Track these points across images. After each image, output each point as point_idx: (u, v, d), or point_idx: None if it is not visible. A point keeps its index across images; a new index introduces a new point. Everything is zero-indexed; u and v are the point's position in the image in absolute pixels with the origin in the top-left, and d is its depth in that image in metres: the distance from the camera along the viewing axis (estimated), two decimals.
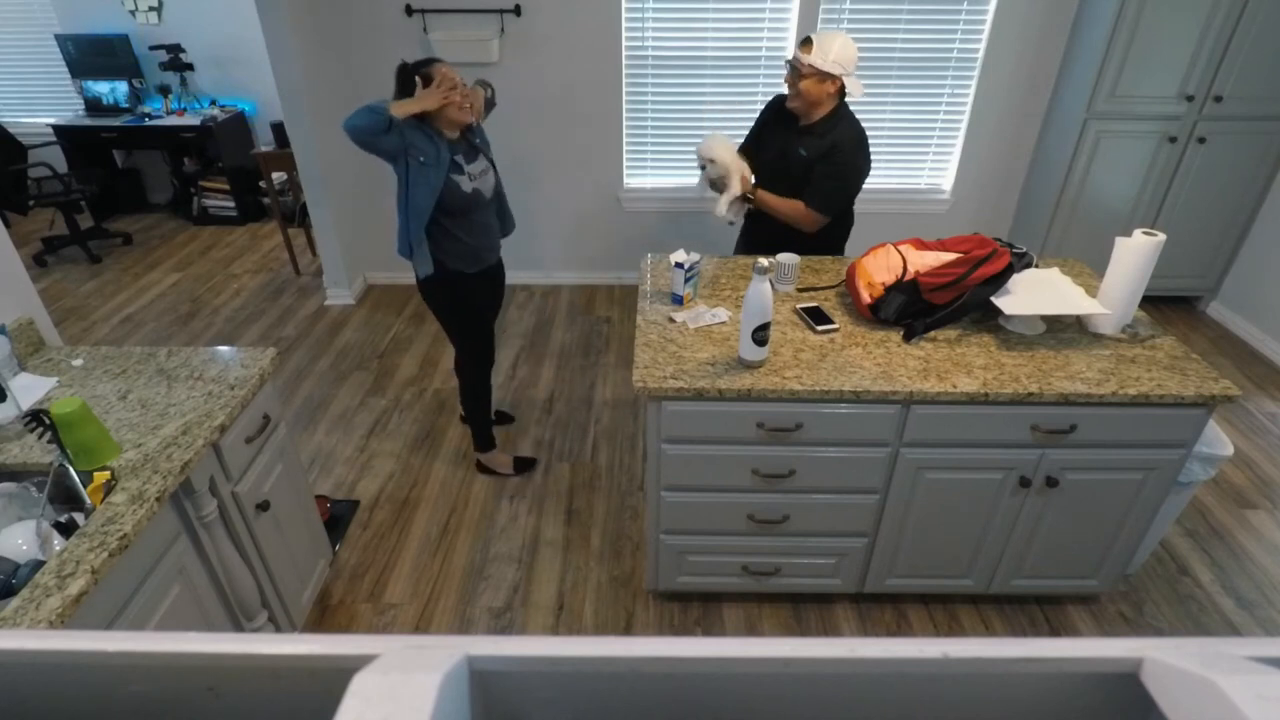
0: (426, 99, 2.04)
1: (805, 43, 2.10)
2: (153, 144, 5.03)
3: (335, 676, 0.30)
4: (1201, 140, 3.29)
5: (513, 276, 4.02)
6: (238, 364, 1.78)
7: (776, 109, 2.34)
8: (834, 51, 2.07)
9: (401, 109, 2.02)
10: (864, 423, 1.78)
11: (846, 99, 2.21)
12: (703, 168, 2.27)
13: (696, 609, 2.22)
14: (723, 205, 2.28)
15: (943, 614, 2.20)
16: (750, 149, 2.39)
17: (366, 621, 2.18)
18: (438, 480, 2.71)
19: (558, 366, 3.40)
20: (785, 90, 2.24)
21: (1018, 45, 3.45)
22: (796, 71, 2.13)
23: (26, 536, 1.33)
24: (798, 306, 2.03)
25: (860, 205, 3.87)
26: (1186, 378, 1.74)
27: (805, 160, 2.23)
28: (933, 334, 1.92)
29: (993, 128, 3.68)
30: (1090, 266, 2.29)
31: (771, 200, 2.29)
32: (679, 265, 2.02)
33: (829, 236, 2.39)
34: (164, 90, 4.89)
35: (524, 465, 2.75)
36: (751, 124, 2.43)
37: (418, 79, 2.06)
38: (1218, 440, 1.92)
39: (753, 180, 2.30)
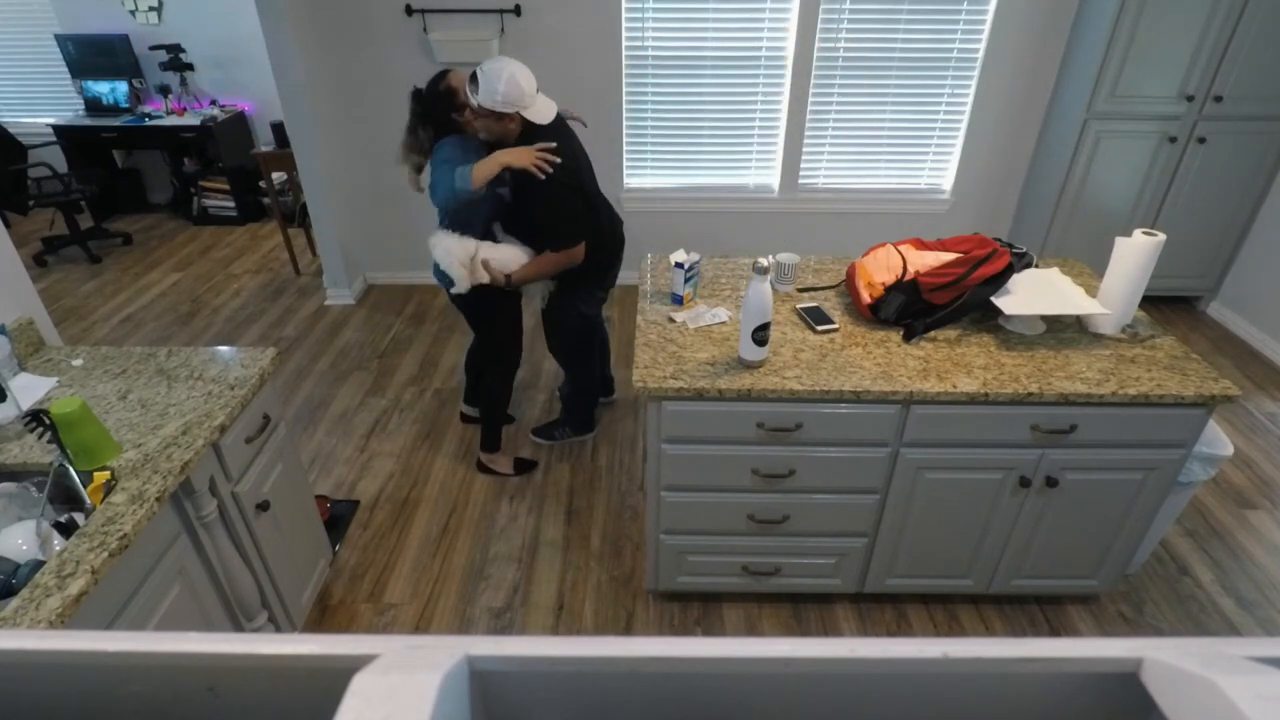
0: (519, 156, 2.03)
1: (472, 79, 2.02)
2: (153, 144, 5.03)
3: (335, 676, 0.30)
4: (1201, 140, 3.29)
5: None
6: (238, 364, 1.78)
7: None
8: (501, 90, 1.98)
9: (482, 173, 2.01)
10: (864, 423, 1.78)
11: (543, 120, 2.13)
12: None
13: (696, 609, 2.22)
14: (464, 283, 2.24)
15: (943, 614, 2.20)
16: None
17: (366, 621, 2.18)
18: (438, 480, 2.71)
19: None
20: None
21: (1018, 45, 3.45)
22: (471, 109, 2.08)
23: (26, 536, 1.33)
24: (798, 306, 2.03)
25: (860, 205, 3.91)
26: (1186, 378, 1.74)
27: (515, 193, 2.22)
28: (933, 334, 1.92)
29: (993, 128, 3.68)
30: (1090, 266, 2.29)
31: (532, 271, 2.26)
32: (679, 265, 2.02)
33: (590, 249, 2.29)
34: (164, 90, 4.89)
35: (525, 467, 2.75)
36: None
37: (450, 90, 2.10)
38: (1218, 440, 1.92)
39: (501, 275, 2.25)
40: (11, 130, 4.38)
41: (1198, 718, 0.28)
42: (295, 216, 4.46)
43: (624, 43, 3.47)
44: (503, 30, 3.42)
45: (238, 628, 1.76)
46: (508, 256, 2.25)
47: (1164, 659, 0.31)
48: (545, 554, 2.40)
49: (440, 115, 2.14)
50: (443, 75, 2.14)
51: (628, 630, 2.17)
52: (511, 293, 2.39)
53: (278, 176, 4.24)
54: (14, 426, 1.54)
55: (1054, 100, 3.55)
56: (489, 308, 2.41)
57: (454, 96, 2.11)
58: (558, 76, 3.54)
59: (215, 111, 4.92)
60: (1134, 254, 1.81)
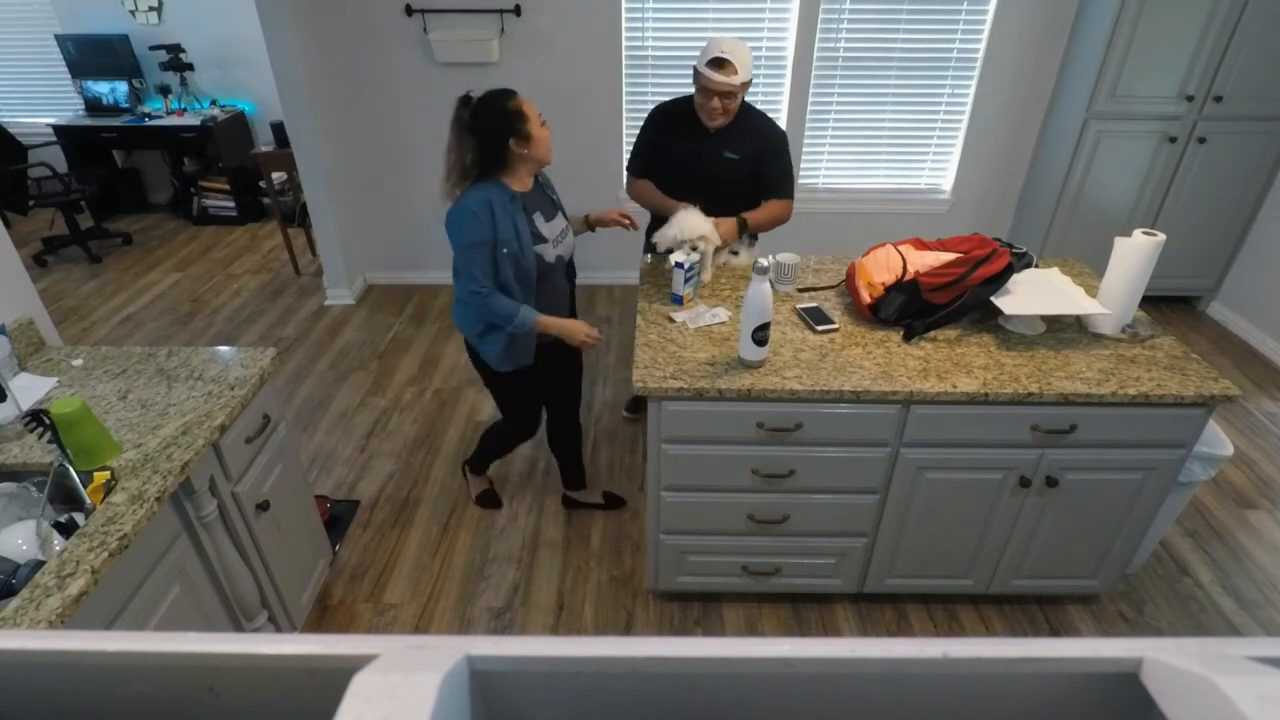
0: (573, 333, 1.95)
1: (722, 64, 2.04)
2: (153, 144, 5.03)
3: (335, 676, 0.30)
4: (1201, 140, 3.29)
5: None
6: (238, 364, 1.78)
7: (672, 120, 2.31)
8: (749, 63, 2.09)
9: (541, 327, 1.92)
10: (864, 423, 1.78)
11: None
12: (669, 251, 2.13)
13: (696, 609, 2.22)
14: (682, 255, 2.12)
15: (943, 614, 2.20)
16: (648, 160, 2.38)
17: (366, 621, 2.18)
18: (438, 480, 2.71)
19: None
20: (664, 99, 2.27)
21: (1018, 45, 3.45)
22: (728, 94, 2.09)
23: (26, 536, 1.33)
24: (798, 306, 2.03)
25: (860, 205, 3.91)
26: (1186, 378, 1.74)
27: (736, 163, 2.26)
28: (933, 334, 1.92)
29: (993, 128, 3.68)
30: (1090, 266, 2.29)
31: (761, 218, 2.31)
32: (679, 265, 2.02)
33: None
34: (164, 90, 4.89)
35: (489, 501, 2.58)
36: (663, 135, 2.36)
37: (512, 113, 1.77)
38: (1218, 440, 1.92)
39: (719, 233, 2.22)
40: (11, 130, 4.38)
41: (1198, 718, 0.28)
42: (295, 216, 4.46)
43: (624, 43, 3.47)
44: (503, 30, 3.42)
45: (238, 628, 1.76)
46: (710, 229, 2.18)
47: (1164, 659, 0.31)
48: (545, 554, 2.40)
49: (495, 136, 1.78)
50: (511, 93, 1.80)
51: (628, 630, 2.17)
52: (539, 361, 2.11)
53: (278, 176, 4.24)
54: (14, 426, 1.54)
55: (1054, 100, 3.55)
56: (508, 385, 2.15)
57: (524, 122, 1.78)
58: (558, 76, 3.55)
59: (215, 111, 4.92)
60: (1134, 254, 1.81)
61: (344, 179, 3.79)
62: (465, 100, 1.79)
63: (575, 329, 1.96)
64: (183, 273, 4.41)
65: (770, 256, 2.11)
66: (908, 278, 1.91)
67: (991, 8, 3.38)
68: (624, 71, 3.54)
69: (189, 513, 1.55)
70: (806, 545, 2.03)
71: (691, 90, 2.23)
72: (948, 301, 1.90)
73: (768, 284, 1.65)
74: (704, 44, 2.10)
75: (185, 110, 4.90)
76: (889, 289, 1.93)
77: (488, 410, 3.08)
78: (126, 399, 1.66)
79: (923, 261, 1.93)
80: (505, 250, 1.84)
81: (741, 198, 2.32)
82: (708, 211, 2.15)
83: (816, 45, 3.45)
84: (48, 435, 1.40)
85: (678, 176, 2.31)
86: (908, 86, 3.58)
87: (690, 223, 2.09)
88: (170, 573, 1.47)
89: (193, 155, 5.08)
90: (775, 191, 2.33)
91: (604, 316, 3.84)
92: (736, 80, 2.06)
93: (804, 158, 3.77)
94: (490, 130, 1.77)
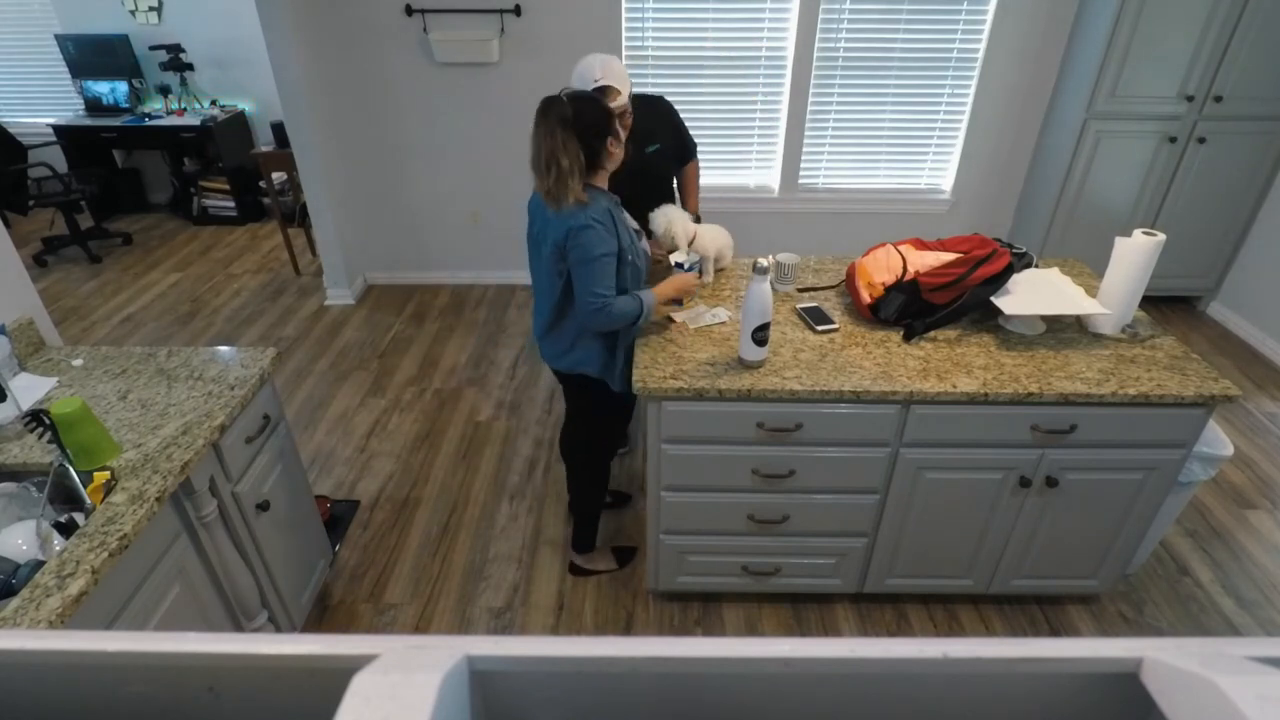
0: (686, 285, 1.94)
1: (606, 91, 1.96)
2: (153, 144, 5.03)
3: (335, 676, 0.30)
4: (1201, 140, 3.29)
5: (514, 276, 3.97)
6: (238, 364, 1.78)
7: None
8: (625, 73, 2.03)
9: (662, 299, 1.87)
10: (864, 423, 1.78)
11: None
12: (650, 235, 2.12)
13: (696, 609, 2.22)
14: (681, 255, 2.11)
15: (943, 614, 2.20)
16: None
17: (366, 621, 2.18)
18: (438, 480, 2.71)
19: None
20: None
21: (1018, 45, 3.45)
22: (624, 113, 2.02)
23: (26, 536, 1.33)
24: (798, 306, 2.03)
25: (860, 205, 3.92)
26: (1186, 378, 1.74)
27: (659, 152, 2.31)
28: (933, 334, 1.92)
29: (993, 128, 3.68)
30: (1090, 266, 2.29)
31: (695, 190, 2.50)
32: (679, 265, 2.02)
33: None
34: (164, 90, 4.89)
35: (624, 555, 2.37)
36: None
37: (609, 113, 1.73)
38: (1218, 440, 1.92)
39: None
40: (11, 130, 4.38)
41: (1198, 718, 0.28)
42: (295, 216, 4.46)
43: (624, 43, 3.47)
44: (503, 30, 3.42)
45: (238, 628, 1.76)
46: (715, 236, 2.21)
47: (1164, 659, 0.31)
48: (545, 554, 2.40)
49: (599, 134, 1.71)
50: (594, 99, 1.75)
51: (628, 630, 2.17)
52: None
53: (278, 176, 4.24)
54: (14, 426, 1.54)
55: (1054, 100, 3.55)
56: (600, 401, 2.04)
57: (614, 122, 1.74)
58: (558, 76, 3.53)
59: (215, 111, 4.92)
60: (1134, 254, 1.81)
61: (344, 179, 3.79)
62: (555, 101, 1.69)
63: (683, 282, 1.93)
64: (183, 273, 4.41)
65: (770, 256, 2.11)
66: (908, 278, 1.91)
67: (991, 8, 3.38)
68: None
69: (189, 513, 1.55)
70: (806, 545, 2.03)
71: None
72: (948, 301, 1.90)
73: (768, 284, 1.65)
74: (580, 65, 2.02)
75: (185, 110, 4.91)
76: (889, 289, 1.93)
77: (487, 410, 3.09)
78: (126, 399, 1.66)
79: (923, 261, 1.93)
80: (630, 257, 1.79)
81: (670, 179, 2.43)
82: (647, 208, 2.17)
83: (816, 45, 3.45)
84: (48, 435, 1.40)
85: (625, 179, 2.21)
86: (907, 86, 3.58)
87: (671, 218, 2.13)
88: (170, 573, 1.47)
89: (193, 155, 5.08)
90: (692, 155, 2.48)
91: None
92: (624, 98, 1.99)
93: (804, 158, 3.77)
94: (595, 127, 1.70)
